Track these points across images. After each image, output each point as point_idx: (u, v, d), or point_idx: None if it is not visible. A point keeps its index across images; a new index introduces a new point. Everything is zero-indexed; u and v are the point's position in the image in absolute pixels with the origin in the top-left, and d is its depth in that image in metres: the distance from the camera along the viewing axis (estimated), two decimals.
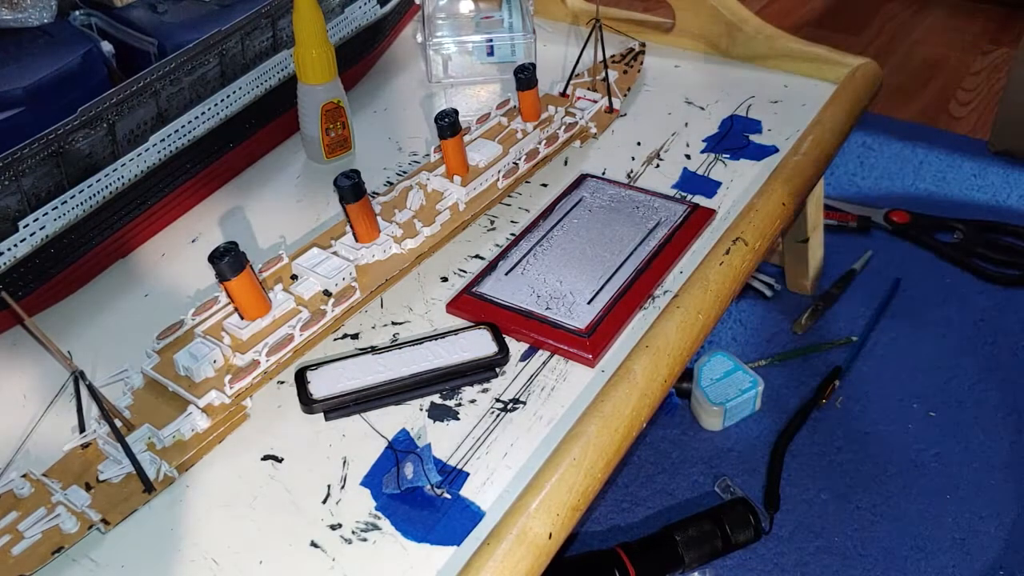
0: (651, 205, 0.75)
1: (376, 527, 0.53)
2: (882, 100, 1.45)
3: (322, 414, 0.59)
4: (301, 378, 0.60)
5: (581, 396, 0.60)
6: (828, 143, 0.82)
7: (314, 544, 0.52)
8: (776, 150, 0.83)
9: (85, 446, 0.55)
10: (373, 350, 0.63)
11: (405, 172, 0.81)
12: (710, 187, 0.78)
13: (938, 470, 0.91)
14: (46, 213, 0.65)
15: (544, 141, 0.78)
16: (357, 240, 0.67)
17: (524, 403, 0.60)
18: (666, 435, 0.94)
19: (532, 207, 0.77)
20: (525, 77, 0.78)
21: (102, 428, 0.55)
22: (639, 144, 0.84)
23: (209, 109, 0.76)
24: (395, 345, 0.63)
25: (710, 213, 0.74)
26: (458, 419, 0.59)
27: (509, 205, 0.77)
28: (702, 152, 0.83)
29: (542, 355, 0.63)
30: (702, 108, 0.89)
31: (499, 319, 0.65)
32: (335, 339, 0.65)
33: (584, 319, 0.64)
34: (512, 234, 0.73)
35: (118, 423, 0.53)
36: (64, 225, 0.67)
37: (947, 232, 1.17)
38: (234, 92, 0.78)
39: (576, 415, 0.58)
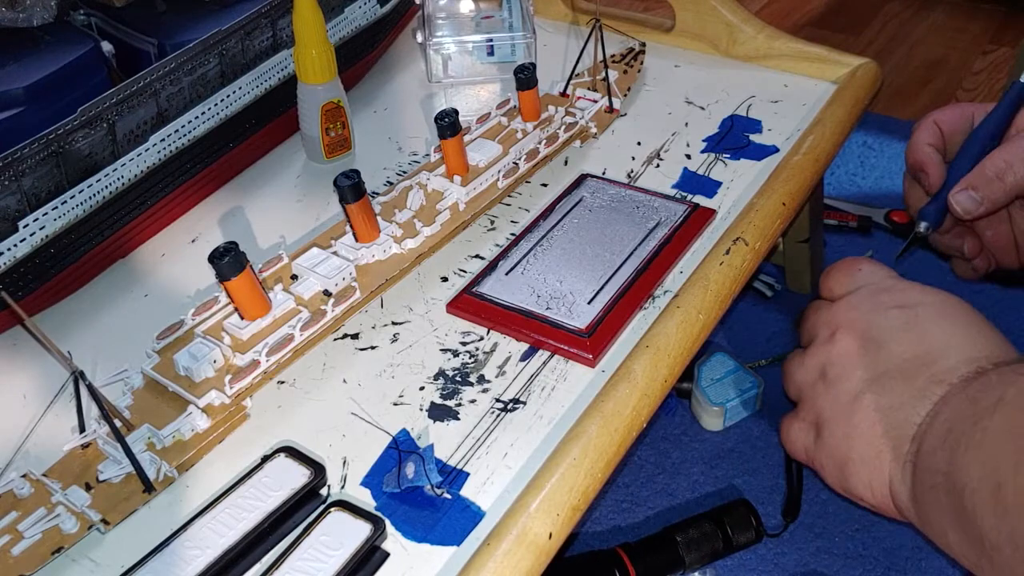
0: (651, 205, 0.75)
1: None
2: (882, 100, 1.45)
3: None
4: None
5: (581, 396, 0.60)
6: (828, 143, 0.81)
7: None
8: (776, 150, 0.82)
9: (85, 446, 0.55)
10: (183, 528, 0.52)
11: (405, 172, 0.81)
12: (710, 187, 0.78)
13: None
14: (46, 213, 0.65)
15: (544, 141, 0.78)
16: (357, 240, 0.67)
17: (524, 403, 0.60)
18: (666, 435, 0.94)
19: (532, 207, 0.77)
20: (525, 77, 0.78)
21: (102, 428, 0.55)
22: (639, 144, 0.84)
23: (209, 109, 0.76)
24: (198, 515, 0.52)
25: (710, 213, 0.74)
26: (458, 419, 0.59)
27: (509, 205, 0.77)
28: (702, 152, 0.83)
29: (542, 355, 0.63)
30: (702, 108, 0.89)
31: (499, 319, 0.65)
32: (335, 339, 0.65)
33: (584, 319, 0.64)
34: (512, 234, 0.73)
35: (118, 423, 0.53)
36: (64, 225, 0.67)
37: None
38: (234, 92, 0.78)
39: (576, 415, 0.58)
